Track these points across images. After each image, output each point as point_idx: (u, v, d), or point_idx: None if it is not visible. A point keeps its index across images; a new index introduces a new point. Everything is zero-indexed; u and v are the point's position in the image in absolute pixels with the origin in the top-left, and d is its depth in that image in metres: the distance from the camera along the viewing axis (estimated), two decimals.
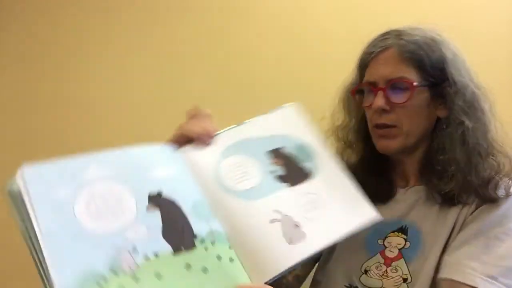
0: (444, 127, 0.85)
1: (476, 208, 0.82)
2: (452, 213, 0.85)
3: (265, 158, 0.71)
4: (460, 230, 0.83)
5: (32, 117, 1.42)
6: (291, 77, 1.31)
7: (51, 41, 1.43)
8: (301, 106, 0.78)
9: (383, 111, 0.85)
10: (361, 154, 0.96)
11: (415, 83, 0.83)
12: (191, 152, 0.68)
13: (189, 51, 1.37)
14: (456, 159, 0.83)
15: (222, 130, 0.72)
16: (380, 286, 0.86)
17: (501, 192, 0.82)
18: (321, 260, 0.97)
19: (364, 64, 0.90)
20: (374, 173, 0.93)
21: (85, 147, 1.33)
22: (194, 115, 0.71)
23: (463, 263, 0.77)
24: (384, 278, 0.86)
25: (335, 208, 0.71)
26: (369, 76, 0.89)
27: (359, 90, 0.92)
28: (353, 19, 1.27)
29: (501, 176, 0.83)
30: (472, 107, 0.84)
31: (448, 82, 0.84)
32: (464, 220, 0.83)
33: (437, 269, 0.81)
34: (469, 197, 0.83)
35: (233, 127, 0.73)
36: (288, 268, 0.64)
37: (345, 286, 0.89)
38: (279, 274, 0.63)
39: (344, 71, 0.96)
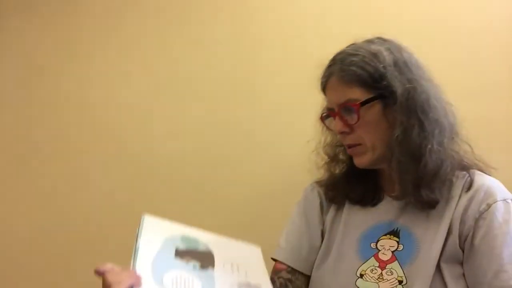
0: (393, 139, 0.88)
1: (480, 215, 0.85)
2: (447, 214, 0.87)
3: (178, 262, 0.78)
4: (466, 233, 0.85)
5: (32, 117, 1.41)
6: (291, 80, 1.31)
7: (52, 42, 1.42)
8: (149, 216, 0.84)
9: (344, 133, 0.91)
10: (347, 165, 1.00)
11: (359, 102, 0.87)
12: None
13: (189, 52, 1.37)
14: (395, 166, 0.88)
15: (132, 266, 0.74)
16: None
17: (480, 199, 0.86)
18: (315, 268, 0.98)
19: (324, 92, 0.96)
20: (360, 180, 0.97)
21: (85, 147, 1.35)
22: (106, 271, 0.70)
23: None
24: (380, 281, 0.88)
25: (245, 257, 0.86)
26: (327, 104, 0.96)
27: (327, 115, 0.97)
28: (352, 25, 1.27)
29: (445, 172, 0.86)
30: (409, 110, 0.86)
31: (388, 90, 0.87)
32: (464, 220, 0.85)
33: (437, 272, 0.84)
34: (435, 194, 0.86)
35: (134, 258, 0.75)
36: None
37: None
38: None
39: None
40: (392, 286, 0.86)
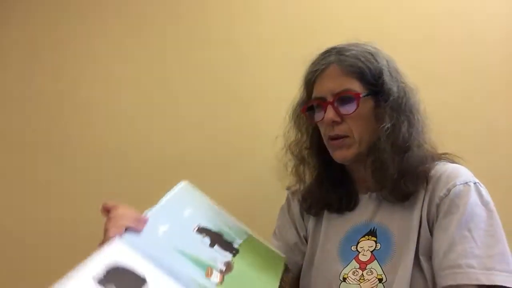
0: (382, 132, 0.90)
1: (441, 200, 0.85)
2: (416, 208, 0.88)
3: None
4: (432, 220, 0.86)
5: (31, 116, 1.42)
6: (288, 81, 1.24)
7: (51, 41, 1.45)
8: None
9: (334, 123, 0.91)
10: (317, 170, 1.02)
11: (360, 94, 0.89)
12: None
13: (186, 53, 1.39)
14: (380, 157, 0.89)
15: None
16: None
17: (448, 182, 0.86)
18: (301, 277, 1.00)
19: (310, 82, 0.96)
20: (334, 186, 0.99)
21: (83, 145, 1.37)
22: (111, 208, 0.75)
23: (460, 263, 0.79)
24: (361, 282, 0.89)
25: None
26: (317, 92, 0.94)
27: (309, 107, 0.97)
28: (349, 27, 1.28)
29: (422, 168, 0.88)
30: (397, 108, 0.90)
31: (383, 90, 0.90)
32: (430, 212, 0.86)
33: (416, 265, 0.84)
34: (413, 185, 0.88)
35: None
36: None
37: None
38: None
39: None
40: (372, 285, 0.87)
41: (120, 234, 0.70)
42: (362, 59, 0.91)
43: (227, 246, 0.86)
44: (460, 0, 1.29)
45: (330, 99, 0.91)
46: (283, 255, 0.96)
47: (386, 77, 0.90)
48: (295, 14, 1.35)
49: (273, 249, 0.96)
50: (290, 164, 1.04)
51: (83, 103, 1.41)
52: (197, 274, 0.76)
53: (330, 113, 0.90)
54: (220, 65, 1.36)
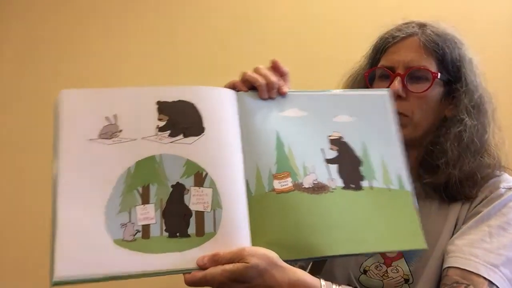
0: (447, 125, 0.84)
1: (480, 203, 0.80)
2: (453, 210, 0.82)
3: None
4: (463, 224, 0.81)
5: (30, 116, 1.42)
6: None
7: (50, 39, 1.44)
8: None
9: (397, 97, 0.82)
10: None
11: (437, 74, 0.83)
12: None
13: (187, 50, 1.39)
14: (446, 152, 0.82)
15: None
16: (381, 286, 0.83)
17: (494, 187, 0.81)
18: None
19: (381, 49, 0.89)
20: None
21: None
22: (273, 67, 0.72)
23: (465, 250, 0.75)
24: (385, 279, 0.83)
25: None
26: (386, 61, 0.87)
27: (370, 76, 0.89)
28: (354, 21, 1.29)
29: (483, 175, 0.82)
30: (477, 108, 0.84)
31: (461, 82, 0.84)
32: (466, 215, 0.81)
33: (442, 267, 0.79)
34: (470, 190, 0.81)
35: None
36: None
37: None
38: None
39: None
40: (397, 284, 0.82)
41: (247, 88, 0.70)
42: (447, 42, 0.85)
43: (352, 177, 0.68)
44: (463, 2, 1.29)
45: (401, 71, 0.84)
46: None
47: (467, 69, 0.84)
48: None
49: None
50: None
51: None
52: (266, 167, 0.65)
53: (397, 85, 0.82)
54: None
